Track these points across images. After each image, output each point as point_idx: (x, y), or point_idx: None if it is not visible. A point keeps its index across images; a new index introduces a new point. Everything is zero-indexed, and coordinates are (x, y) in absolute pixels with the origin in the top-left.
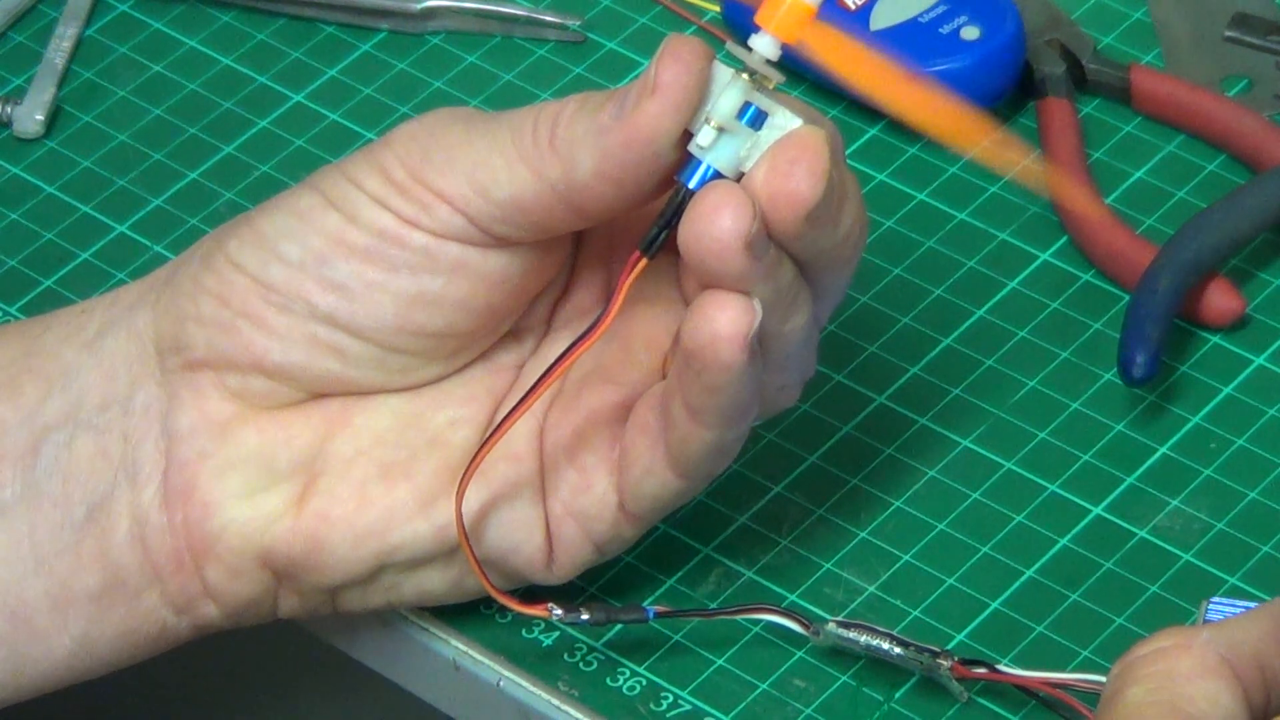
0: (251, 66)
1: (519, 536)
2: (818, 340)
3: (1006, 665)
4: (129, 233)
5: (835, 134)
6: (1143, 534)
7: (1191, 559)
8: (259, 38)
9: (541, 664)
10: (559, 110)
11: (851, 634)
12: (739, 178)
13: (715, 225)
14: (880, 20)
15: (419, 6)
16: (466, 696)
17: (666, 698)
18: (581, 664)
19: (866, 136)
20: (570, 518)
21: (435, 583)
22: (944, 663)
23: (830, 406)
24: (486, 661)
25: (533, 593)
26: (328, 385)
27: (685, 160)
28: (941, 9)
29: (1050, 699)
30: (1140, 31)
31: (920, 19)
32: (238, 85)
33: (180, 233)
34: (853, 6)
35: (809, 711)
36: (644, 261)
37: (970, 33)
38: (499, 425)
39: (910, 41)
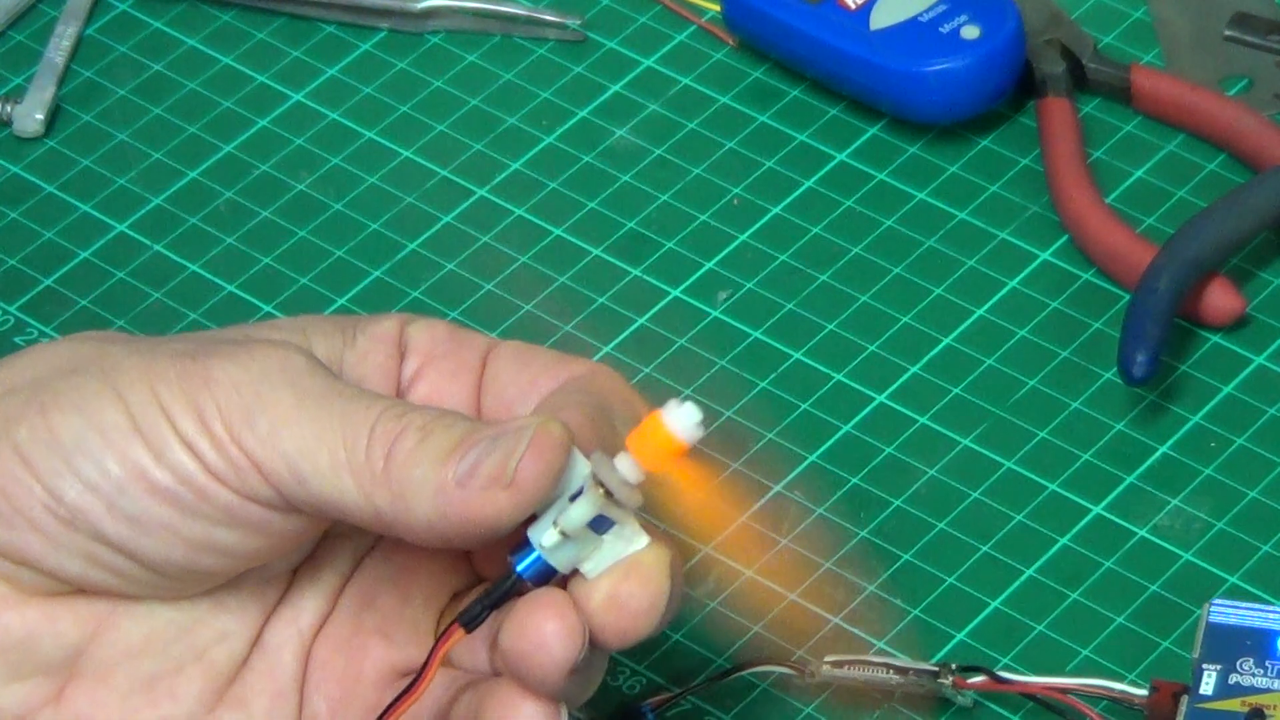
0: (251, 66)
1: None
2: None
3: (1008, 664)
4: (129, 232)
5: (676, 555)
6: (1143, 533)
7: (1191, 558)
8: (259, 37)
9: None
10: (398, 434)
11: (844, 671)
12: (571, 572)
13: (543, 651)
14: (880, 20)
15: (419, 6)
16: None
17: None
18: None
19: (866, 136)
20: None
21: None
22: (945, 680)
23: (830, 406)
24: None
25: None
26: (100, 592)
27: (520, 540)
28: (941, 8)
29: (1052, 701)
30: (1140, 31)
31: (920, 18)
32: (237, 84)
33: (180, 232)
34: (853, 6)
35: (809, 710)
36: (461, 634)
37: (970, 32)
38: None
39: (910, 41)
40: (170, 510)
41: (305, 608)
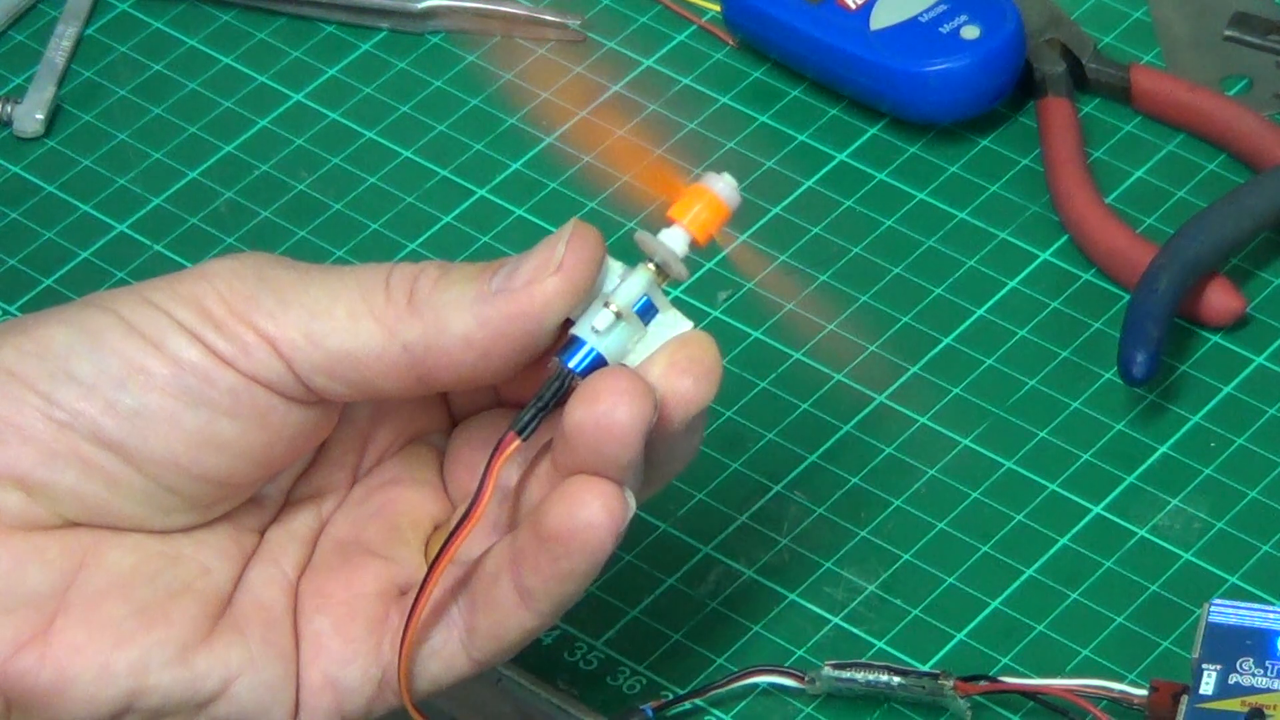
0: (251, 66)
1: (267, 699)
2: None
3: (1008, 665)
4: (129, 232)
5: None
6: (1143, 533)
7: (1191, 558)
8: (259, 37)
9: (541, 663)
10: (417, 272)
11: (848, 674)
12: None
13: (618, 411)
14: (880, 20)
15: (419, 6)
16: (466, 695)
17: (666, 696)
18: (581, 663)
19: (866, 136)
20: (329, 689)
21: None
22: (945, 683)
23: (830, 406)
24: None
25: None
26: (86, 513)
27: (566, 342)
28: (941, 8)
29: (1053, 700)
30: (1140, 31)
31: (920, 18)
32: (238, 85)
33: (180, 232)
34: (853, 6)
35: (809, 710)
36: (518, 443)
37: (970, 32)
38: (407, 626)
39: (910, 41)
40: (172, 401)
41: (285, 553)
